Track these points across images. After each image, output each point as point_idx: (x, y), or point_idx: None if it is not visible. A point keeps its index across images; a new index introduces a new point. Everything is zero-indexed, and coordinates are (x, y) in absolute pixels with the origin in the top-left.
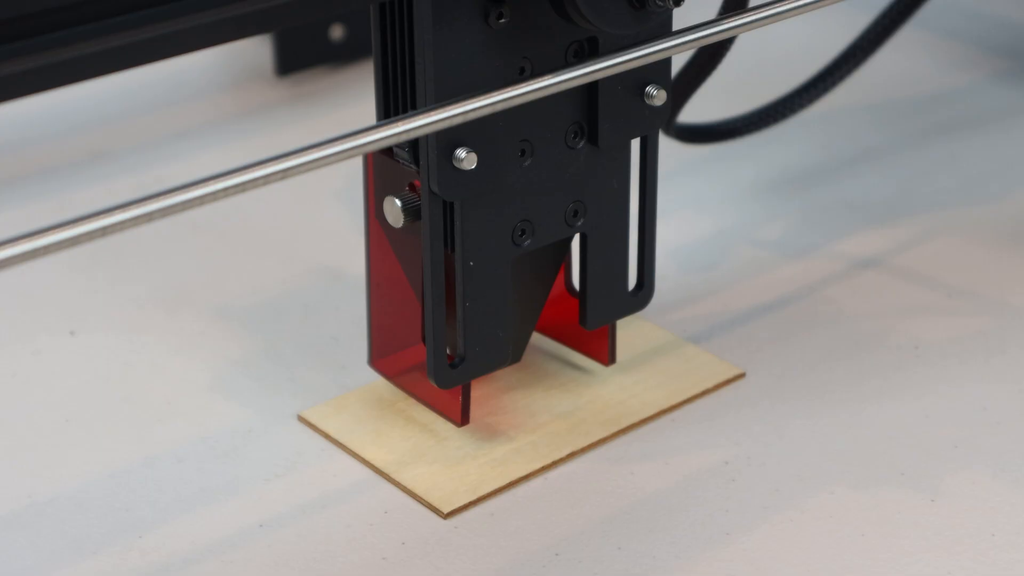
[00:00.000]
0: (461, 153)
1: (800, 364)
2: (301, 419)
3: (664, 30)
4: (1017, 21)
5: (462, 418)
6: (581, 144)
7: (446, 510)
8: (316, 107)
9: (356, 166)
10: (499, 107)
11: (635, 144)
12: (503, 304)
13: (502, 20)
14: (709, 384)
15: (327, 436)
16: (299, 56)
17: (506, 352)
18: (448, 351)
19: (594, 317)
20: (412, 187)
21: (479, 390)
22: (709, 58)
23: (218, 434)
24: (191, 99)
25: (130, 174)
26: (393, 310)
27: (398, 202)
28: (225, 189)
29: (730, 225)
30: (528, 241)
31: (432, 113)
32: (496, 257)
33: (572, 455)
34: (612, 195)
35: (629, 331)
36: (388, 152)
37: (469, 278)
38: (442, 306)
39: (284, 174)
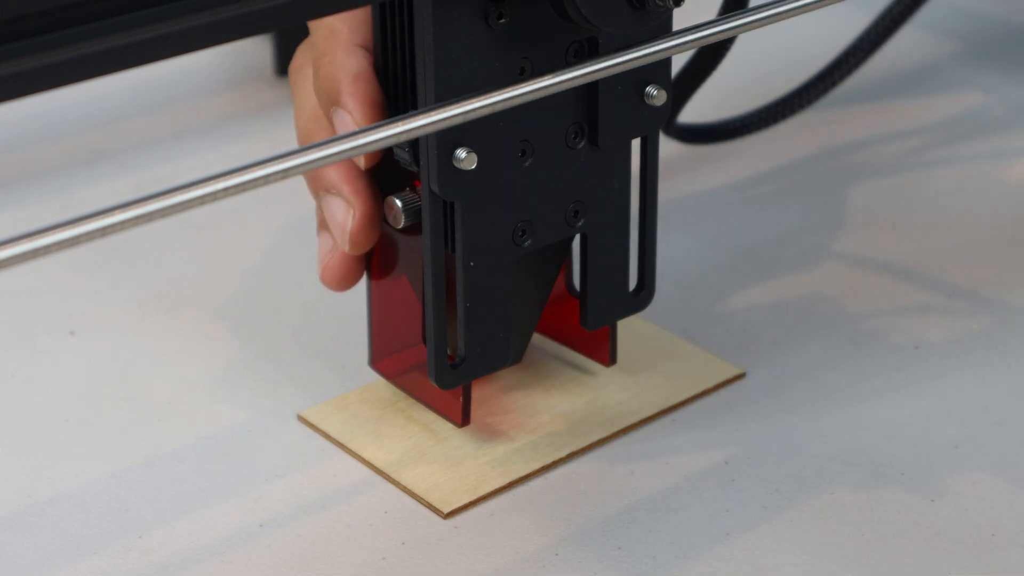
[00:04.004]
0: (461, 153)
1: (800, 364)
2: (301, 419)
3: (664, 30)
4: (1017, 21)
5: (463, 418)
6: (581, 144)
7: (446, 510)
8: None
9: None
10: (499, 107)
11: (635, 144)
12: (504, 304)
13: (502, 20)
14: (709, 384)
15: (327, 436)
16: None
17: (507, 352)
18: (449, 352)
19: (594, 318)
20: (412, 187)
21: (479, 390)
22: (709, 58)
23: (218, 434)
24: (191, 99)
25: (130, 174)
26: (393, 310)
27: (398, 202)
28: (225, 189)
29: (730, 225)
30: (529, 241)
31: (432, 113)
32: (497, 257)
33: (572, 455)
34: (612, 195)
35: (629, 331)
36: (388, 152)
37: (469, 278)
38: (442, 306)
39: (284, 174)
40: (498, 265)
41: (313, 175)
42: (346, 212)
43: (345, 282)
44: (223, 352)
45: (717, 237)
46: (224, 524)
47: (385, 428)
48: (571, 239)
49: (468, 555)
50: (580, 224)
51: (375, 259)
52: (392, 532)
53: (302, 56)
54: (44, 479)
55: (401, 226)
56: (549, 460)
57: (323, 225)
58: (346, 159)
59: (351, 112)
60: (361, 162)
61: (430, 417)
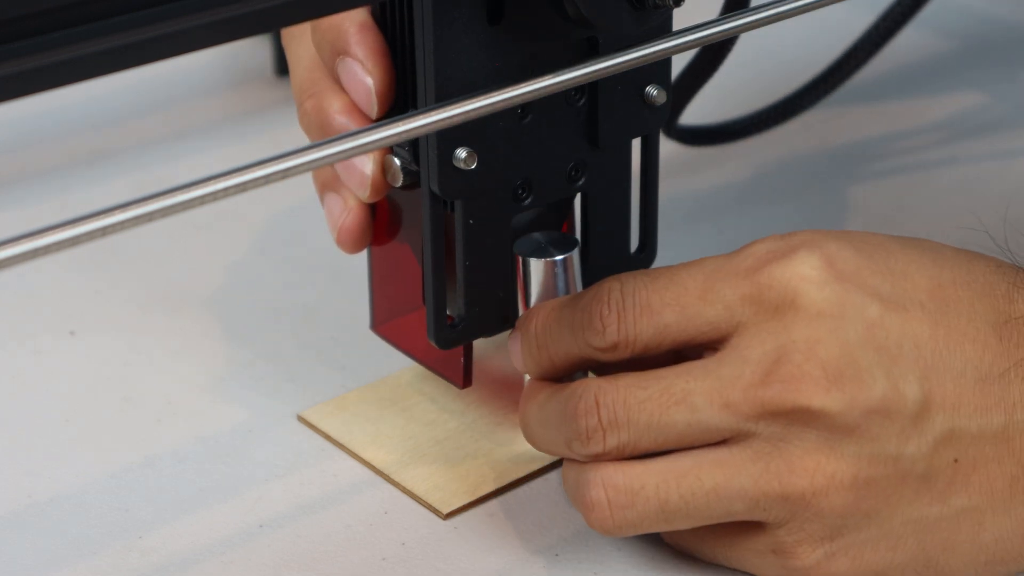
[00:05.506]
0: (461, 153)
1: None
2: (301, 419)
3: (664, 30)
4: (1017, 21)
5: (464, 380)
6: (581, 102)
7: (445, 511)
8: None
9: None
10: (499, 107)
11: (635, 144)
12: (504, 264)
13: (502, 20)
14: None
15: (327, 436)
16: None
17: (507, 313)
18: (449, 313)
19: (596, 279)
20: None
21: (480, 390)
22: (710, 59)
23: (218, 434)
24: (191, 99)
25: (130, 174)
26: (394, 273)
27: (396, 161)
28: (225, 189)
29: (730, 226)
30: (529, 200)
31: (432, 113)
32: (496, 215)
33: None
34: (614, 154)
35: None
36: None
37: (469, 237)
38: (441, 266)
39: (284, 174)
40: (498, 223)
41: (319, 123)
42: (364, 163)
43: (361, 242)
44: (223, 352)
45: (717, 238)
46: (224, 524)
47: (385, 428)
48: (572, 198)
49: (468, 555)
50: (581, 183)
51: (376, 221)
52: (392, 532)
53: None
54: (44, 479)
55: (399, 184)
56: (549, 460)
57: (327, 186)
58: (356, 115)
59: (361, 61)
60: (373, 110)
61: (430, 417)
